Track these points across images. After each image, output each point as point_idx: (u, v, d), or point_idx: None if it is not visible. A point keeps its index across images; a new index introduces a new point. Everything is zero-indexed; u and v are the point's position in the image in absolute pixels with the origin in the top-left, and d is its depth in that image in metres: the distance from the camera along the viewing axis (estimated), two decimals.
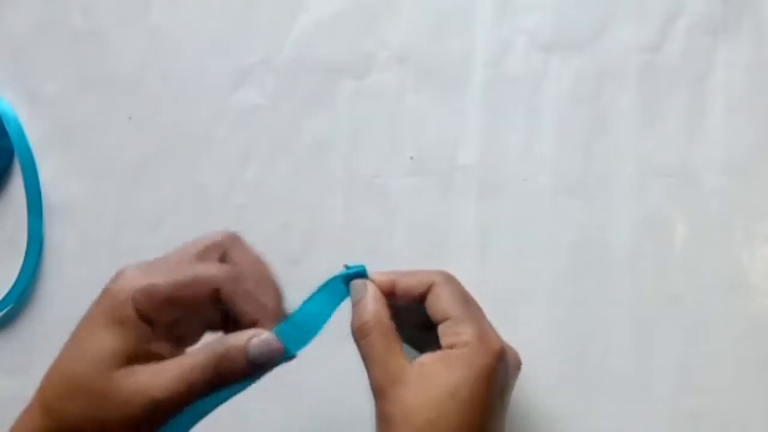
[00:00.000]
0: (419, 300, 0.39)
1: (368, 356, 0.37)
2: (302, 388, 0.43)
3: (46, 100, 0.57)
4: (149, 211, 0.53)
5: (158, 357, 0.36)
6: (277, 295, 0.39)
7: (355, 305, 0.39)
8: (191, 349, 0.37)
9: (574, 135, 0.45)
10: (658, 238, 0.43)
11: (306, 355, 0.42)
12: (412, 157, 0.48)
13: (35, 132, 0.57)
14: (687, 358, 0.43)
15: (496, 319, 0.46)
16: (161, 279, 0.37)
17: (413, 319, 0.39)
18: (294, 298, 0.43)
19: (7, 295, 0.56)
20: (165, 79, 0.54)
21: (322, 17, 0.50)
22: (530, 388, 0.45)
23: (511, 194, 0.46)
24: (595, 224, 0.44)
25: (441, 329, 0.38)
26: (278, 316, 0.38)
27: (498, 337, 0.38)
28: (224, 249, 0.39)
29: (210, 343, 0.36)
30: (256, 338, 0.36)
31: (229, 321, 0.38)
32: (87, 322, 0.38)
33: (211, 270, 0.37)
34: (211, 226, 0.50)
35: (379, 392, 0.37)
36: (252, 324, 0.37)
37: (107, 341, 0.36)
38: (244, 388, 0.37)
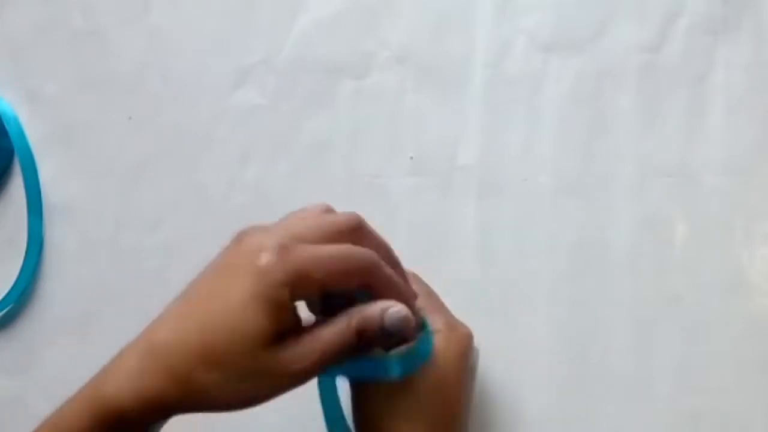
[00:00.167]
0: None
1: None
2: (303, 388, 0.43)
3: (46, 100, 0.57)
4: (149, 211, 0.53)
5: (298, 327, 0.36)
6: (408, 279, 0.39)
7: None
8: (334, 318, 0.36)
9: (574, 135, 0.45)
10: (658, 238, 0.43)
11: None
12: (412, 157, 0.48)
13: (35, 132, 0.57)
14: (687, 358, 0.43)
15: (496, 319, 0.46)
16: (318, 262, 0.35)
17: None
18: None
19: (7, 295, 0.56)
20: (165, 79, 0.54)
21: (322, 17, 0.50)
22: (530, 388, 0.45)
23: (511, 194, 0.46)
24: (595, 224, 0.44)
25: None
26: (413, 298, 0.38)
27: (463, 324, 0.41)
28: (357, 232, 0.38)
29: (346, 313, 0.36)
30: (392, 308, 0.36)
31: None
32: (233, 296, 0.35)
33: (363, 258, 0.37)
34: (211, 226, 0.50)
35: (363, 382, 0.38)
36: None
37: (261, 323, 0.34)
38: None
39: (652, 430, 0.43)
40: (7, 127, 0.57)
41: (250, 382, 0.35)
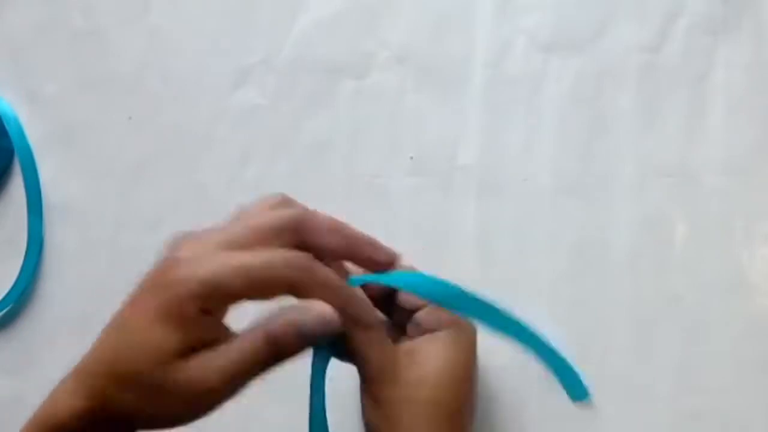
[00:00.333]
0: (388, 293, 0.41)
1: (367, 345, 0.39)
2: (304, 389, 0.43)
3: (46, 100, 0.57)
4: (149, 211, 0.53)
5: (215, 341, 0.34)
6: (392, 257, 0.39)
7: None
8: (244, 330, 0.35)
9: (574, 135, 0.45)
10: (658, 238, 0.43)
11: (308, 355, 0.42)
12: (412, 157, 0.48)
13: (35, 132, 0.57)
14: (687, 358, 0.43)
15: None
16: (229, 272, 0.33)
17: None
18: (294, 300, 0.43)
19: (7, 295, 0.56)
20: (165, 79, 0.54)
21: (322, 17, 0.50)
22: (530, 388, 0.45)
23: (511, 194, 0.46)
24: (595, 224, 0.44)
25: (420, 316, 0.40)
26: (352, 298, 0.37)
27: (467, 319, 0.41)
28: (299, 229, 0.36)
29: (261, 322, 0.35)
30: (310, 313, 0.35)
31: None
32: (141, 313, 0.34)
33: (289, 265, 0.34)
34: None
35: (377, 379, 0.39)
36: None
37: (166, 338, 0.33)
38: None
39: (652, 430, 0.43)
40: (7, 127, 0.57)
41: (163, 399, 0.34)
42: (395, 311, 0.42)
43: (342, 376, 0.41)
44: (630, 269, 0.44)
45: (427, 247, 0.47)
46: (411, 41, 0.49)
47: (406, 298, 0.41)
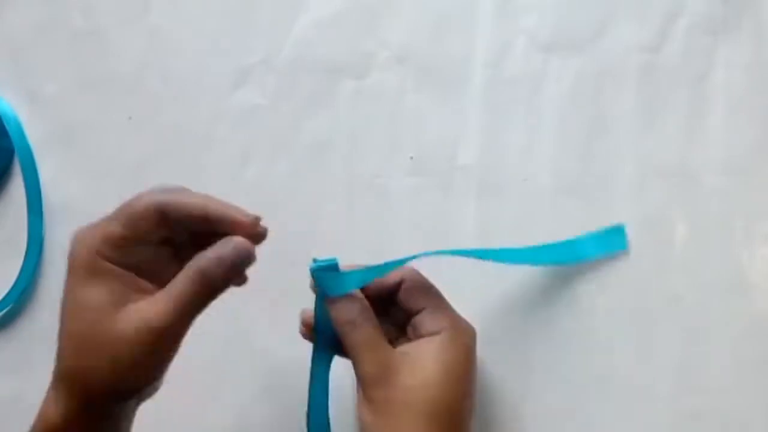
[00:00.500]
0: (388, 294, 0.42)
1: (359, 347, 0.40)
2: (304, 389, 0.43)
3: (46, 100, 0.57)
4: None
5: (151, 294, 0.39)
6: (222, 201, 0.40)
7: (339, 300, 0.40)
8: (177, 276, 0.38)
9: (574, 135, 0.45)
10: (658, 238, 0.43)
11: (308, 356, 0.42)
12: (412, 157, 0.48)
13: (35, 132, 0.57)
14: (687, 358, 0.43)
15: (496, 319, 0.46)
16: (110, 224, 0.39)
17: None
18: (294, 300, 0.43)
19: (7, 295, 0.56)
20: (165, 79, 0.54)
21: (322, 17, 0.50)
22: (530, 388, 0.45)
23: (511, 194, 0.46)
24: (595, 224, 0.44)
25: (418, 319, 0.41)
26: (234, 211, 0.40)
27: (466, 320, 0.41)
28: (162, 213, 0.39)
29: (191, 262, 0.38)
30: (230, 246, 0.38)
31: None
32: (70, 288, 0.39)
33: (147, 195, 0.39)
34: None
35: (373, 380, 0.39)
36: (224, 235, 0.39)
37: (96, 293, 0.38)
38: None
39: (652, 430, 0.43)
40: (7, 127, 0.57)
41: (119, 350, 0.37)
42: (395, 312, 0.42)
43: (342, 373, 0.41)
44: (630, 269, 0.44)
45: (427, 247, 0.47)
46: (411, 41, 0.49)
47: (405, 301, 0.41)
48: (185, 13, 0.53)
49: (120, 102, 0.55)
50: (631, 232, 0.44)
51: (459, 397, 0.39)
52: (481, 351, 0.43)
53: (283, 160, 0.51)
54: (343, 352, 0.41)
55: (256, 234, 0.39)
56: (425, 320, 0.41)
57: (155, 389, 0.41)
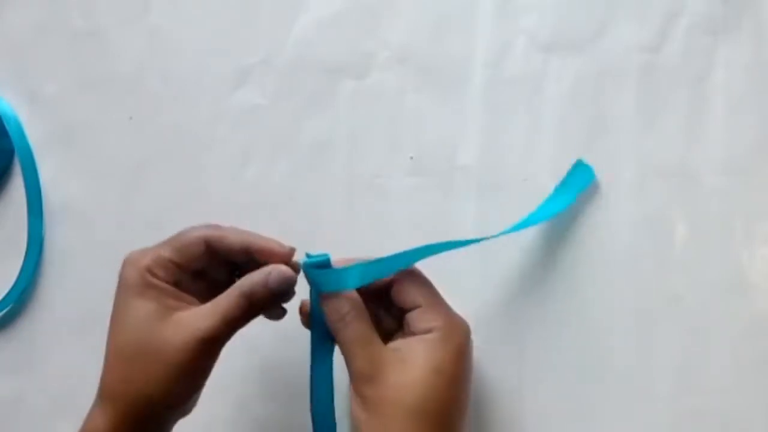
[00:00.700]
0: (383, 289, 0.42)
1: (350, 344, 0.40)
2: (304, 388, 0.43)
3: (46, 100, 0.57)
4: (149, 211, 0.53)
5: (194, 305, 0.42)
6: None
7: (331, 296, 0.41)
8: (222, 294, 0.41)
9: (574, 135, 0.45)
10: (658, 238, 0.43)
11: (308, 356, 0.43)
12: (412, 157, 0.48)
13: (35, 132, 0.57)
14: (687, 358, 0.43)
15: (495, 319, 0.46)
16: (161, 248, 0.43)
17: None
18: (294, 299, 0.43)
19: (7, 295, 0.56)
20: (165, 79, 0.54)
21: (322, 17, 0.50)
22: (530, 389, 0.45)
23: (511, 194, 0.46)
24: (595, 224, 0.44)
25: (411, 316, 0.41)
26: (274, 244, 0.42)
27: (461, 318, 0.41)
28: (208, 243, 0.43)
29: (238, 283, 0.41)
30: (274, 272, 0.41)
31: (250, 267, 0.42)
32: (120, 304, 0.42)
33: (198, 228, 0.43)
34: None
35: (363, 377, 0.39)
36: (262, 263, 0.42)
37: (143, 305, 0.41)
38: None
39: (653, 430, 0.43)
40: (7, 127, 0.57)
41: (164, 359, 0.40)
42: (391, 308, 0.42)
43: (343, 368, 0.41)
44: (630, 269, 0.44)
45: None
46: (411, 41, 0.49)
47: (398, 297, 0.41)
48: (185, 13, 0.53)
49: (120, 102, 0.55)
50: (631, 232, 0.44)
51: (449, 396, 0.39)
52: (479, 351, 0.43)
53: (283, 160, 0.51)
54: None
55: (292, 264, 0.42)
56: (418, 318, 0.41)
57: (193, 405, 0.43)
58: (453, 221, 0.47)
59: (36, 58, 0.57)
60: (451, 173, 0.47)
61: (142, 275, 0.42)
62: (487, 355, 0.45)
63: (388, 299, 0.42)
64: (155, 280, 0.42)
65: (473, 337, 0.42)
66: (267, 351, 0.50)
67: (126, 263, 0.43)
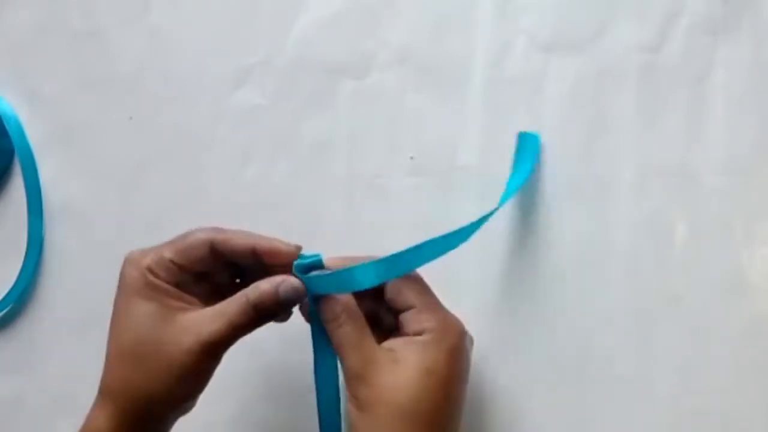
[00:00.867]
0: (382, 287, 0.42)
1: (343, 345, 0.40)
2: (306, 389, 0.43)
3: (46, 100, 0.57)
4: (149, 211, 0.53)
5: (197, 306, 0.42)
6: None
7: (325, 297, 0.41)
8: (229, 298, 0.41)
9: (574, 135, 0.45)
10: (658, 238, 0.43)
11: (310, 357, 0.43)
12: (412, 157, 0.48)
13: (35, 132, 0.57)
14: (687, 358, 0.43)
15: (495, 319, 0.46)
16: (163, 249, 0.42)
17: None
18: None
19: (7, 295, 0.56)
20: (165, 79, 0.54)
21: (322, 17, 0.50)
22: (530, 389, 0.45)
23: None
24: (595, 224, 0.44)
25: (405, 317, 0.41)
26: (279, 243, 0.42)
27: (457, 319, 0.41)
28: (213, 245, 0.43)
29: (246, 290, 0.41)
30: (285, 284, 0.41)
31: (257, 271, 0.42)
32: (121, 304, 0.42)
33: (202, 230, 0.43)
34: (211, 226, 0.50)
35: (356, 377, 0.39)
36: (268, 263, 0.42)
37: (145, 305, 0.41)
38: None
39: (653, 430, 0.43)
40: (7, 127, 0.57)
41: (166, 358, 0.40)
42: (391, 306, 0.42)
43: None
44: (630, 269, 0.44)
45: None
46: (411, 41, 0.49)
47: (392, 298, 0.41)
48: (185, 13, 0.53)
49: (120, 102, 0.55)
50: (631, 232, 0.44)
51: (442, 397, 0.39)
52: (478, 351, 0.43)
53: (283, 160, 0.51)
54: None
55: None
56: (411, 319, 0.41)
57: (194, 404, 0.43)
58: (453, 221, 0.47)
59: (36, 58, 0.57)
60: (451, 173, 0.47)
61: (143, 275, 0.42)
62: (486, 355, 0.45)
63: (378, 305, 0.42)
64: (156, 281, 0.42)
65: (473, 337, 0.42)
66: (269, 353, 0.50)
67: (127, 262, 0.43)
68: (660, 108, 0.44)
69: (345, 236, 0.49)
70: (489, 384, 0.46)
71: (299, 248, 0.42)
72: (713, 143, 0.43)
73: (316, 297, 0.41)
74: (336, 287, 0.41)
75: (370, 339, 0.40)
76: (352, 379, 0.40)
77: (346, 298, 0.41)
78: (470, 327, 0.42)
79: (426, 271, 0.42)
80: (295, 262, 0.42)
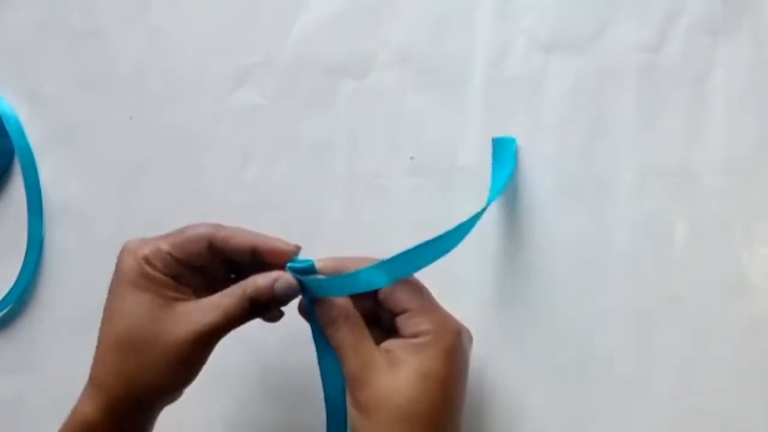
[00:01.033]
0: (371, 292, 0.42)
1: (341, 347, 0.40)
2: (304, 389, 0.43)
3: (46, 100, 0.57)
4: (149, 211, 0.53)
5: (191, 297, 0.42)
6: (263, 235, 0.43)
7: (321, 300, 0.41)
8: (225, 290, 0.42)
9: (574, 135, 0.45)
10: (658, 238, 0.43)
11: (311, 358, 0.43)
12: (412, 157, 0.48)
13: (35, 132, 0.57)
14: (687, 359, 0.43)
15: (495, 319, 0.46)
16: (161, 240, 0.43)
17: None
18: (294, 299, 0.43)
19: (7, 295, 0.56)
20: (165, 79, 0.54)
21: (322, 17, 0.50)
22: (530, 389, 0.45)
23: (512, 194, 0.46)
24: (595, 224, 0.44)
25: (401, 320, 0.41)
26: (279, 243, 0.42)
27: (454, 319, 0.41)
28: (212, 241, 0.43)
29: (242, 283, 0.41)
30: (281, 280, 0.41)
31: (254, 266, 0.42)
32: (117, 292, 0.42)
33: (201, 225, 0.43)
34: None
35: (355, 380, 0.40)
36: (267, 262, 0.42)
37: (139, 295, 0.42)
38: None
39: (653, 430, 0.43)
40: (7, 127, 0.57)
41: (159, 348, 0.41)
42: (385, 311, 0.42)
43: None
44: (630, 269, 0.44)
45: None
46: (411, 41, 0.49)
47: (387, 301, 0.41)
48: (185, 13, 0.53)
49: (120, 102, 0.55)
50: (631, 232, 0.44)
51: (440, 399, 0.39)
52: (479, 351, 0.43)
53: (283, 160, 0.51)
54: None
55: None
56: (407, 322, 0.41)
57: (180, 395, 0.43)
58: (453, 221, 0.47)
59: (36, 58, 0.57)
60: (451, 173, 0.47)
61: (139, 264, 0.42)
62: (487, 355, 0.45)
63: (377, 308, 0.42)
64: (152, 271, 0.42)
65: (474, 337, 0.42)
66: (268, 352, 0.50)
67: (124, 251, 0.43)
68: (660, 108, 0.44)
69: (345, 236, 0.49)
70: (489, 384, 0.46)
71: (299, 248, 0.42)
72: (713, 143, 0.43)
73: (312, 300, 0.41)
74: (332, 291, 0.41)
75: (368, 341, 0.40)
76: (351, 381, 0.40)
77: (343, 301, 0.41)
78: (469, 327, 0.42)
79: (426, 271, 0.42)
80: (288, 265, 0.42)
